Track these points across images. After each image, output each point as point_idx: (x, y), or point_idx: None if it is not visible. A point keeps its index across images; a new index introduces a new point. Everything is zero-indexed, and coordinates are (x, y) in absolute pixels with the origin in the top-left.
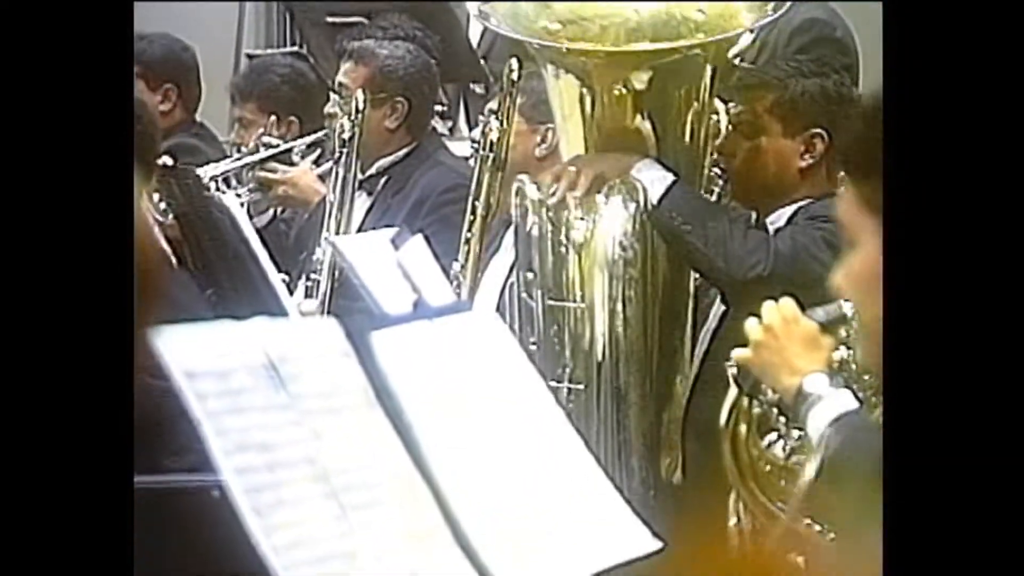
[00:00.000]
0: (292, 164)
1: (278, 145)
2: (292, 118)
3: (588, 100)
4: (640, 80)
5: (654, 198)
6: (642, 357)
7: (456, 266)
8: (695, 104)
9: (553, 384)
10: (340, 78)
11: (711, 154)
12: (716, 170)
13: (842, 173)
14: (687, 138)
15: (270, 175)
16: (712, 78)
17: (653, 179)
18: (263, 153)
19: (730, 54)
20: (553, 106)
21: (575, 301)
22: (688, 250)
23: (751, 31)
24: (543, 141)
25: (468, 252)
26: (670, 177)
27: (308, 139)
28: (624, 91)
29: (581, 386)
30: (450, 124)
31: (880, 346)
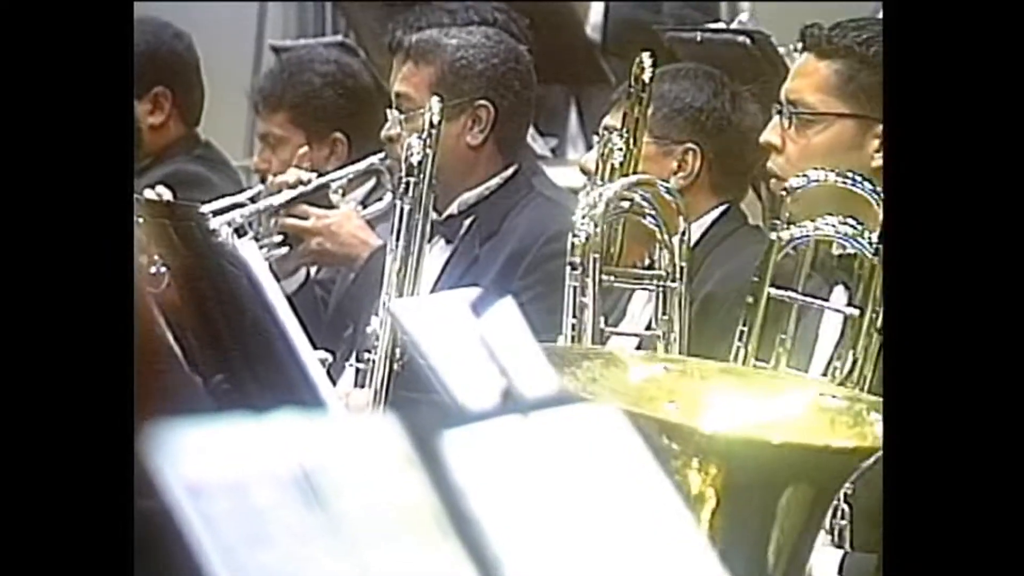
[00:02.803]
0: (331, 205)
1: (311, 179)
2: (338, 134)
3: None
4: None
5: None
6: None
7: (562, 340)
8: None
9: None
10: (397, 87)
11: None
12: None
13: None
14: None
15: (299, 223)
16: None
17: None
18: (288, 193)
19: None
20: None
21: None
22: None
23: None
24: (680, 168)
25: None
26: None
27: (355, 167)
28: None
29: None
30: (555, 143)
31: None
